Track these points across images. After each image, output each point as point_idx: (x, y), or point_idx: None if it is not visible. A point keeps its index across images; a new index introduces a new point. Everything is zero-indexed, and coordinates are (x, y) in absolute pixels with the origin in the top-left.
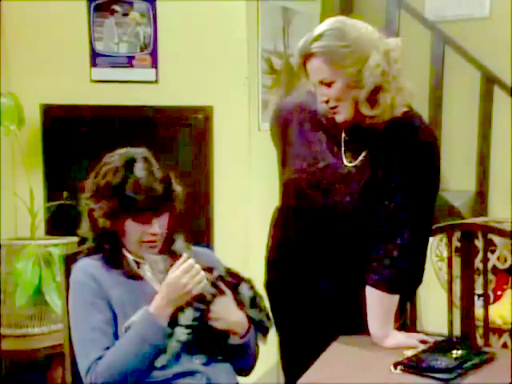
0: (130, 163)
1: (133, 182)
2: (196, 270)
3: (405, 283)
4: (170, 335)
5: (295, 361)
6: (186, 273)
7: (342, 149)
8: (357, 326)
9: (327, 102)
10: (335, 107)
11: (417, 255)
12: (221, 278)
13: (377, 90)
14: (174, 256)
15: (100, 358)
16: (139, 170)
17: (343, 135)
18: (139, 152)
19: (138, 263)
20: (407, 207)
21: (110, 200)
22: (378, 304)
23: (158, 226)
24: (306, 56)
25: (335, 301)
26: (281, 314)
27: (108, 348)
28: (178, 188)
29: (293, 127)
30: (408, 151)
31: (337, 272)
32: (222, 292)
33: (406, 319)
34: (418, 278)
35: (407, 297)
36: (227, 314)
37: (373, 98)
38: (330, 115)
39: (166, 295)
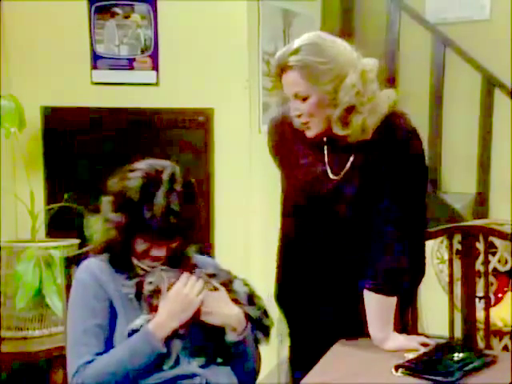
0: (154, 184)
1: (152, 208)
2: (194, 280)
3: (402, 285)
4: (165, 355)
5: (303, 360)
6: (185, 285)
7: (326, 161)
8: (359, 328)
9: (299, 116)
10: (307, 122)
11: (412, 257)
12: (213, 275)
13: (350, 110)
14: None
15: (90, 361)
16: (160, 198)
17: (325, 148)
18: (167, 169)
19: (144, 270)
20: (399, 211)
21: (125, 215)
22: (377, 307)
23: (166, 249)
24: (283, 68)
25: (338, 304)
26: (290, 319)
27: (99, 353)
28: (196, 220)
29: (284, 141)
30: (393, 155)
31: (339, 277)
32: (215, 288)
33: (407, 321)
34: (415, 279)
35: (406, 299)
36: (220, 307)
37: (345, 118)
38: (302, 129)
39: (168, 309)
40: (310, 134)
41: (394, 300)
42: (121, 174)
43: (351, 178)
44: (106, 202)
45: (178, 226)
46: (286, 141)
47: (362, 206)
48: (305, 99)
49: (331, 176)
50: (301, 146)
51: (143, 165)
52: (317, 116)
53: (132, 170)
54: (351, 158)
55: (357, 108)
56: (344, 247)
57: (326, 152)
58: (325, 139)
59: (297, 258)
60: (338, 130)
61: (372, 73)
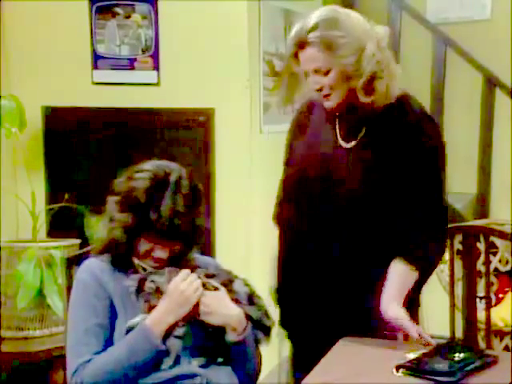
0: (161, 186)
1: (158, 209)
2: (193, 277)
3: (431, 262)
4: (164, 354)
5: (304, 360)
6: (183, 280)
7: (338, 133)
8: (362, 327)
9: (320, 89)
10: (328, 95)
11: (438, 232)
12: (214, 275)
13: (372, 78)
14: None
15: (89, 360)
16: (167, 199)
17: (337, 120)
18: (174, 172)
19: (144, 269)
20: (421, 186)
21: (132, 215)
22: (399, 275)
23: (169, 251)
24: (301, 45)
25: (342, 301)
26: (291, 314)
27: (98, 352)
28: (200, 223)
29: (300, 123)
30: (408, 131)
31: (343, 270)
32: (215, 288)
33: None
34: (440, 254)
35: (423, 280)
36: (221, 307)
37: (369, 86)
38: (321, 101)
39: (165, 305)
40: (329, 104)
41: (415, 275)
42: (128, 174)
43: (362, 147)
44: (112, 201)
45: (183, 228)
46: (304, 122)
47: (374, 181)
48: (326, 73)
49: (343, 144)
50: (315, 123)
51: (151, 166)
52: (338, 88)
53: (139, 171)
54: (363, 130)
55: (379, 75)
56: (354, 231)
57: (337, 125)
58: (337, 114)
59: (299, 249)
60: (364, 98)
61: (384, 40)
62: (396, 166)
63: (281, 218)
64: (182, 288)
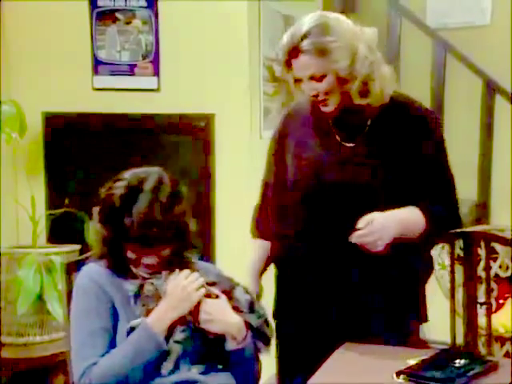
0: (135, 193)
1: (131, 216)
2: (194, 276)
3: (441, 218)
4: (166, 352)
5: (295, 365)
6: (185, 278)
7: (336, 135)
8: (362, 333)
9: (316, 95)
10: (325, 100)
11: (453, 210)
12: (214, 283)
13: (366, 80)
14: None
15: (95, 363)
16: (140, 206)
17: (331, 123)
18: (151, 177)
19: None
20: (437, 174)
21: (108, 225)
22: (407, 209)
23: (157, 257)
24: (294, 53)
25: (343, 307)
26: (288, 315)
27: (103, 355)
28: (186, 224)
29: (292, 128)
30: (414, 122)
31: (348, 275)
32: (216, 295)
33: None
34: (450, 223)
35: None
36: (221, 315)
37: (363, 88)
38: (318, 104)
39: (167, 302)
40: (327, 109)
41: (423, 224)
42: (108, 184)
43: (368, 144)
44: (95, 212)
45: (161, 234)
46: (295, 128)
47: (385, 174)
48: (320, 79)
49: (344, 143)
50: (305, 129)
51: (128, 174)
52: (334, 92)
53: (118, 180)
54: (365, 130)
55: (372, 76)
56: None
57: (333, 130)
58: (330, 121)
59: (305, 256)
60: (359, 101)
61: (374, 42)
62: (408, 156)
63: (271, 229)
64: (183, 284)
